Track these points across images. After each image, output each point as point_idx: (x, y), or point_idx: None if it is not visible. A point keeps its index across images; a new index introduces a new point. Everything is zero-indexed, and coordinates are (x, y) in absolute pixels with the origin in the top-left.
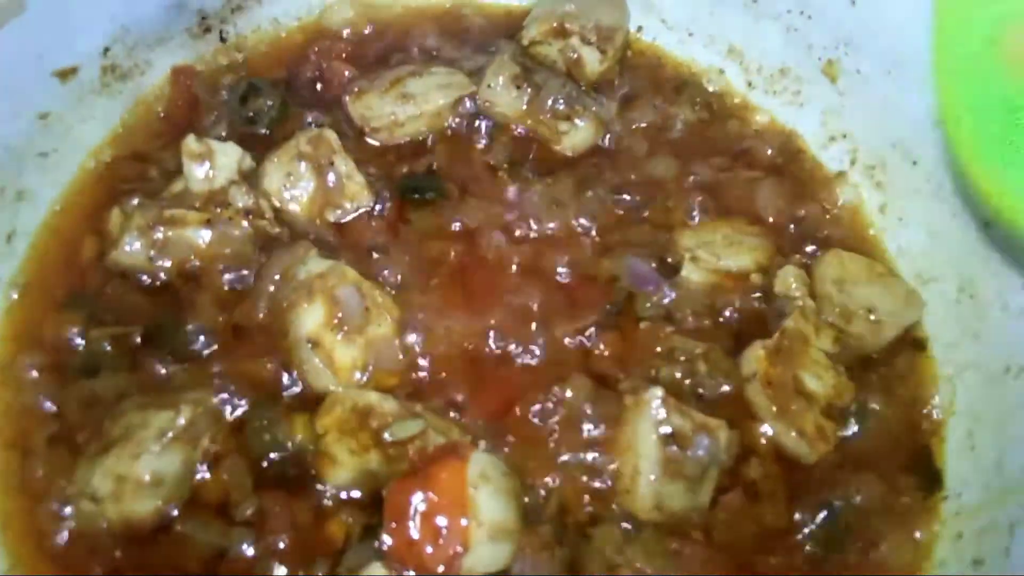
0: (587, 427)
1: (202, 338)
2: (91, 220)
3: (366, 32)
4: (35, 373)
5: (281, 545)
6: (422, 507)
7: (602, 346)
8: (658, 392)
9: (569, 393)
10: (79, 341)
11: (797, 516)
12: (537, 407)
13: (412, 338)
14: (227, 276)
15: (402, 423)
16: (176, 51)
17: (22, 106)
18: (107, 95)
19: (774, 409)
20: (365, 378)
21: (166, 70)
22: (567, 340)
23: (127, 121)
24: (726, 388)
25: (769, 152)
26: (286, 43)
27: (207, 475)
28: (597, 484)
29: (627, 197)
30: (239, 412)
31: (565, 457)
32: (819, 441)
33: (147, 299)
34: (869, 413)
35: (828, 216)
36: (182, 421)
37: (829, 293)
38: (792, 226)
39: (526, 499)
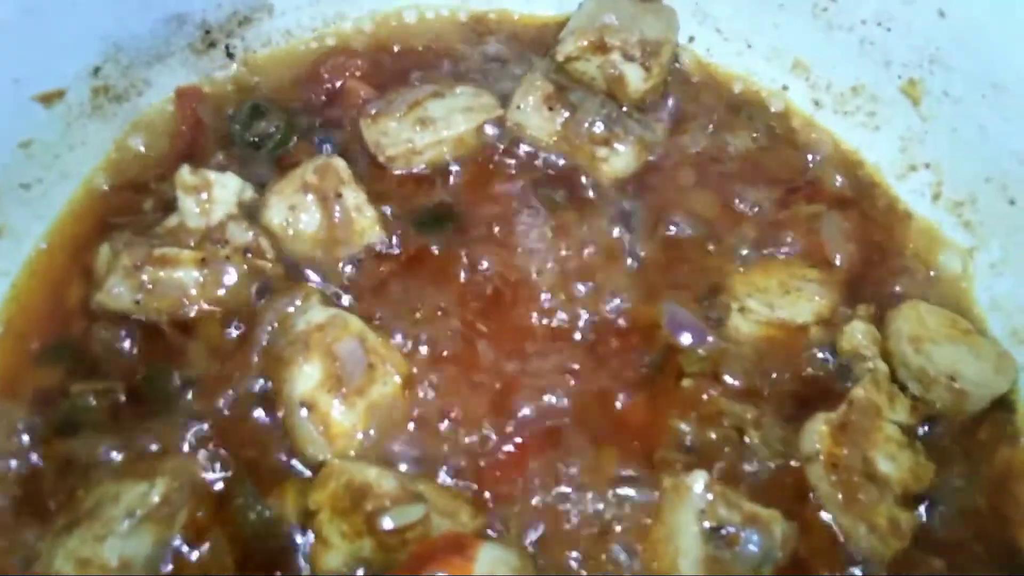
0: (616, 515)
1: (191, 394)
2: (79, 258)
3: (385, 47)
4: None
5: None
6: None
7: (637, 408)
8: (701, 476)
9: (600, 470)
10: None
11: None
12: (559, 489)
13: (423, 398)
14: (222, 322)
15: (400, 509)
16: (177, 69)
17: None
18: (99, 118)
19: (840, 498)
20: (366, 445)
21: (166, 89)
22: (598, 400)
23: (121, 147)
24: (781, 464)
25: (837, 183)
26: (299, 59)
27: (188, 553)
28: None
29: (671, 234)
30: (224, 481)
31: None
32: (893, 537)
33: (135, 348)
34: (948, 496)
35: (905, 261)
36: (156, 498)
37: (904, 353)
38: (861, 270)
39: None
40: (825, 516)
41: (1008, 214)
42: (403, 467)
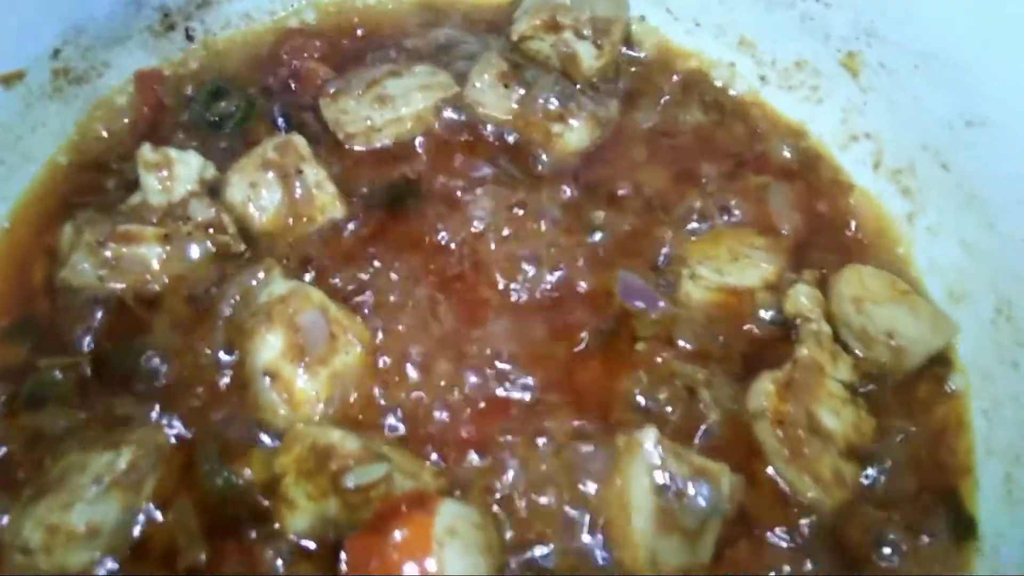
0: (576, 470)
1: (156, 367)
2: (42, 237)
3: (343, 30)
4: None
5: None
6: (382, 567)
7: (594, 372)
8: (651, 433)
9: (556, 430)
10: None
11: (809, 566)
12: (519, 450)
13: (384, 366)
14: (185, 297)
15: (364, 468)
16: (136, 51)
17: None
18: (60, 100)
19: (786, 452)
20: (329, 412)
21: (126, 71)
22: (555, 365)
23: (82, 128)
24: (730, 420)
25: (783, 154)
26: (258, 41)
27: (158, 519)
28: (586, 536)
29: (625, 205)
30: (190, 450)
31: (549, 501)
32: (837, 487)
33: (100, 323)
34: (889, 448)
35: (848, 226)
36: (122, 464)
37: (846, 314)
38: (807, 237)
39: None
40: (772, 470)
41: (942, 179)
42: (366, 432)
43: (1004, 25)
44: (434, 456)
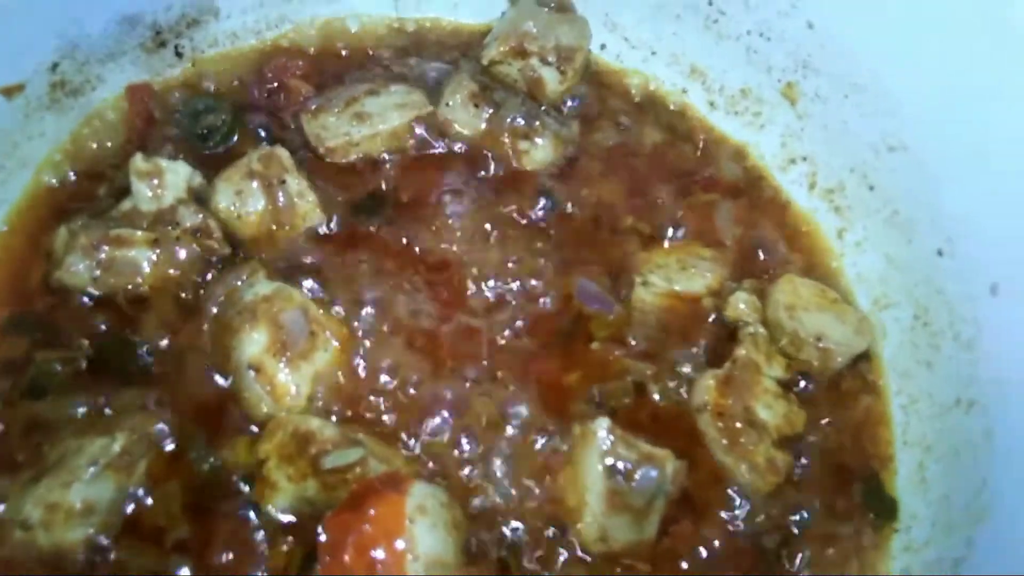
0: (537, 456)
1: (147, 361)
2: (38, 239)
3: (325, 50)
4: None
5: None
6: (358, 542)
7: (554, 369)
8: (604, 422)
9: (519, 420)
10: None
11: (740, 543)
12: (485, 440)
13: (360, 362)
14: (174, 297)
15: (340, 452)
16: (128, 67)
17: None
18: (56, 111)
19: (725, 442)
20: (309, 404)
21: (119, 85)
22: (518, 362)
23: (77, 138)
24: (675, 412)
25: (729, 174)
26: (244, 59)
27: (147, 500)
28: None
29: (584, 218)
30: (179, 437)
31: (511, 483)
32: (770, 473)
33: (94, 321)
34: (819, 440)
35: (786, 240)
36: (116, 448)
37: (781, 319)
38: (749, 250)
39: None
40: (713, 457)
41: (868, 198)
42: (343, 421)
43: (923, 63)
44: (408, 443)
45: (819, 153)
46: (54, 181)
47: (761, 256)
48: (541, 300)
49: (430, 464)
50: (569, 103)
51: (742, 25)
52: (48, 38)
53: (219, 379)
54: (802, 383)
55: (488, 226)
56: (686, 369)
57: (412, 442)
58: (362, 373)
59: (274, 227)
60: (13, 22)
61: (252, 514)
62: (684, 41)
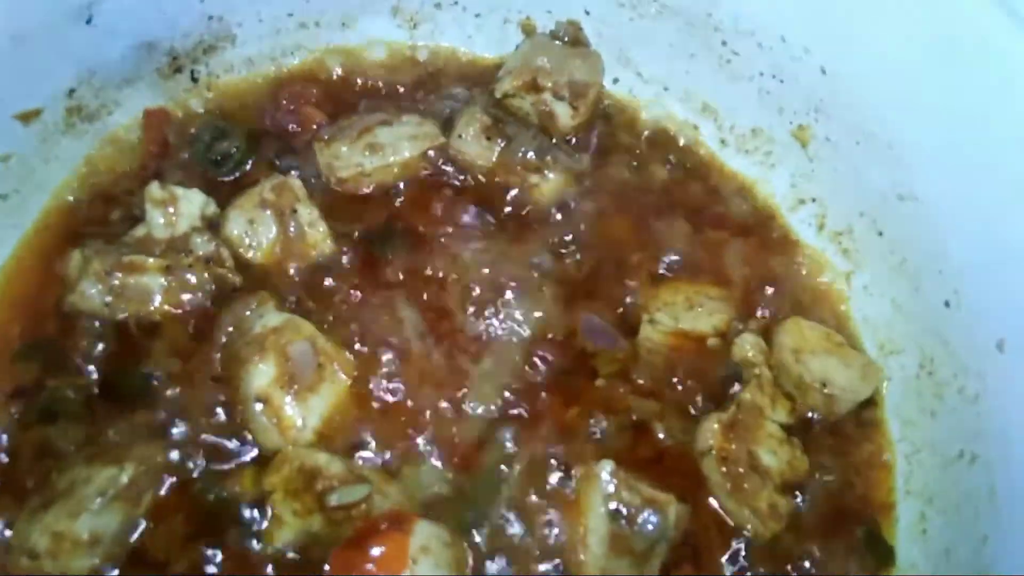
0: (539, 496)
1: (157, 389)
2: (52, 263)
3: (339, 79)
4: None
5: None
6: None
7: (558, 405)
8: (608, 465)
9: (524, 458)
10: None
11: None
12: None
13: (367, 396)
14: (184, 325)
15: (347, 488)
16: (145, 91)
17: None
18: (72, 136)
19: (728, 487)
20: (315, 436)
21: (135, 110)
22: (525, 398)
23: (92, 162)
24: (679, 453)
25: (739, 213)
26: (259, 86)
27: (153, 530)
28: (546, 555)
29: (593, 253)
30: (187, 467)
31: (515, 523)
32: (771, 519)
33: (105, 347)
34: (821, 486)
35: (793, 282)
36: (124, 480)
37: (786, 362)
38: (757, 289)
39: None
40: (714, 501)
41: (877, 243)
42: (349, 456)
43: (935, 115)
44: (413, 477)
45: (828, 196)
46: (69, 205)
47: (768, 295)
48: (547, 335)
49: (433, 500)
50: (580, 137)
51: (755, 66)
52: (67, 64)
53: (227, 409)
54: (806, 427)
55: (497, 260)
56: (691, 409)
57: (417, 476)
58: (369, 407)
59: (285, 256)
60: (33, 48)
61: (256, 545)
62: (697, 79)
